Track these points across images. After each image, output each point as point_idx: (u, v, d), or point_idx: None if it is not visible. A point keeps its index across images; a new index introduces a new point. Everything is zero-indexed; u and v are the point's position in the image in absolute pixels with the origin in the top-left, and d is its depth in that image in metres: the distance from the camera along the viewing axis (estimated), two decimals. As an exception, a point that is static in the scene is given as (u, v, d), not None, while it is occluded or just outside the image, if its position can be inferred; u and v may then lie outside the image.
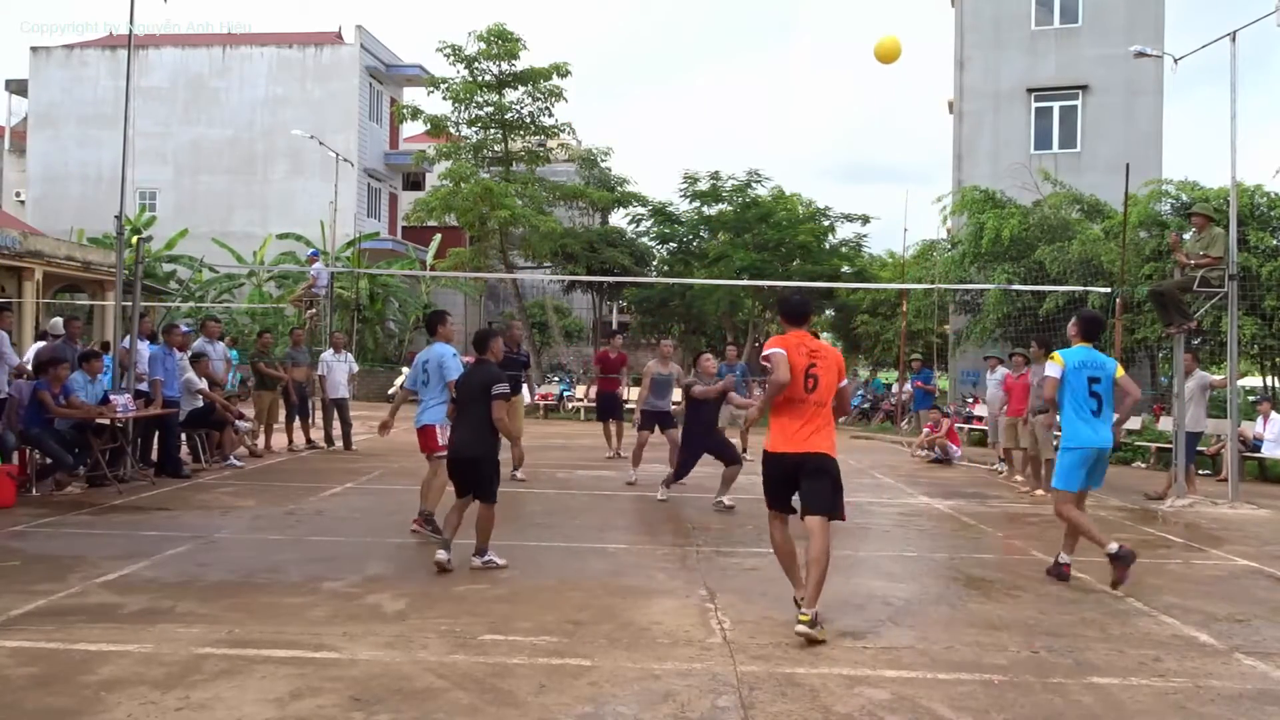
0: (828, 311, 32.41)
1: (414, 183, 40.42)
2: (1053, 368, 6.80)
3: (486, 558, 6.57)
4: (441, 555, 6.45)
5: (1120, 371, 6.82)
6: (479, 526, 6.59)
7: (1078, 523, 6.65)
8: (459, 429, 6.73)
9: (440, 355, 7.76)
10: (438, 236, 33.44)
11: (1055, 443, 11.47)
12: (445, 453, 7.06)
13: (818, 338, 5.91)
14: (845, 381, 5.59)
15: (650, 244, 29.68)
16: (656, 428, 11.00)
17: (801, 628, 5.02)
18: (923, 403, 16.39)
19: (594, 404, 16.36)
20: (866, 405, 24.69)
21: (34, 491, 9.24)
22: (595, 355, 15.30)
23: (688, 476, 10.00)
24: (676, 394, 11.10)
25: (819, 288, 26.18)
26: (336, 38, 35.92)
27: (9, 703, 4.02)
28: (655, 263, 29.83)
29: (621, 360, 14.61)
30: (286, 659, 4.60)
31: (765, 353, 5.52)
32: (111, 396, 10.07)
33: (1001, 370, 13.72)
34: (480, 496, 6.59)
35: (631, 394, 23.77)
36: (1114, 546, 6.35)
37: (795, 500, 5.45)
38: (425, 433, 7.82)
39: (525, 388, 12.32)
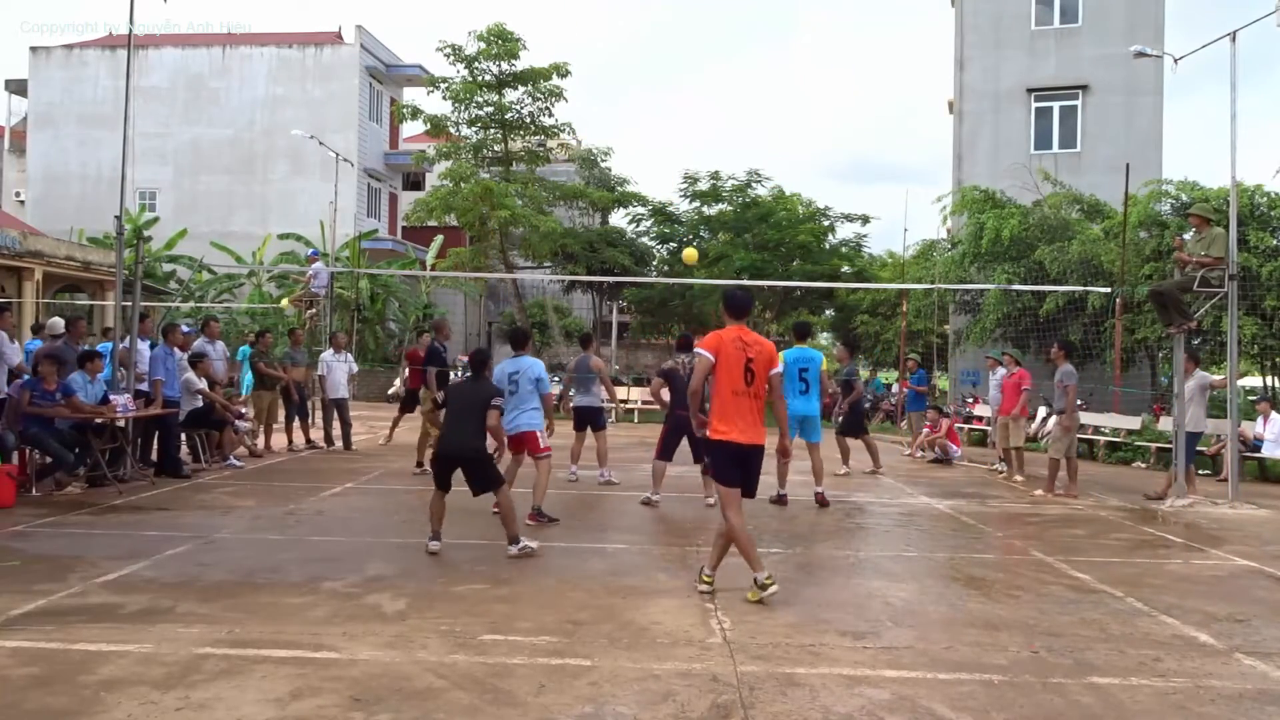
0: (828, 311, 32.44)
1: (414, 183, 40.42)
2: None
3: (521, 544, 6.90)
4: (434, 545, 7.00)
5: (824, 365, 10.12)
6: (505, 517, 7.02)
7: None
8: (454, 431, 7.11)
9: (532, 367, 8.47)
10: (439, 237, 33.45)
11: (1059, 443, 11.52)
12: (549, 453, 8.41)
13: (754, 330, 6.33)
14: (777, 369, 6.06)
15: (650, 244, 29.69)
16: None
17: (774, 589, 5.83)
18: (914, 405, 16.40)
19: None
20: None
21: (34, 491, 9.23)
22: (406, 353, 15.20)
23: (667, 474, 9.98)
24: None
25: (819, 288, 26.21)
26: (336, 38, 35.92)
27: (9, 703, 4.01)
28: (655, 263, 29.85)
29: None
30: (286, 659, 4.60)
31: (695, 350, 6.14)
32: (111, 396, 10.06)
33: (1002, 371, 13.73)
34: (489, 487, 7.08)
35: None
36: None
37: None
38: (527, 438, 8.40)
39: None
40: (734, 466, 5.86)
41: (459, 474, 7.12)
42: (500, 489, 7.13)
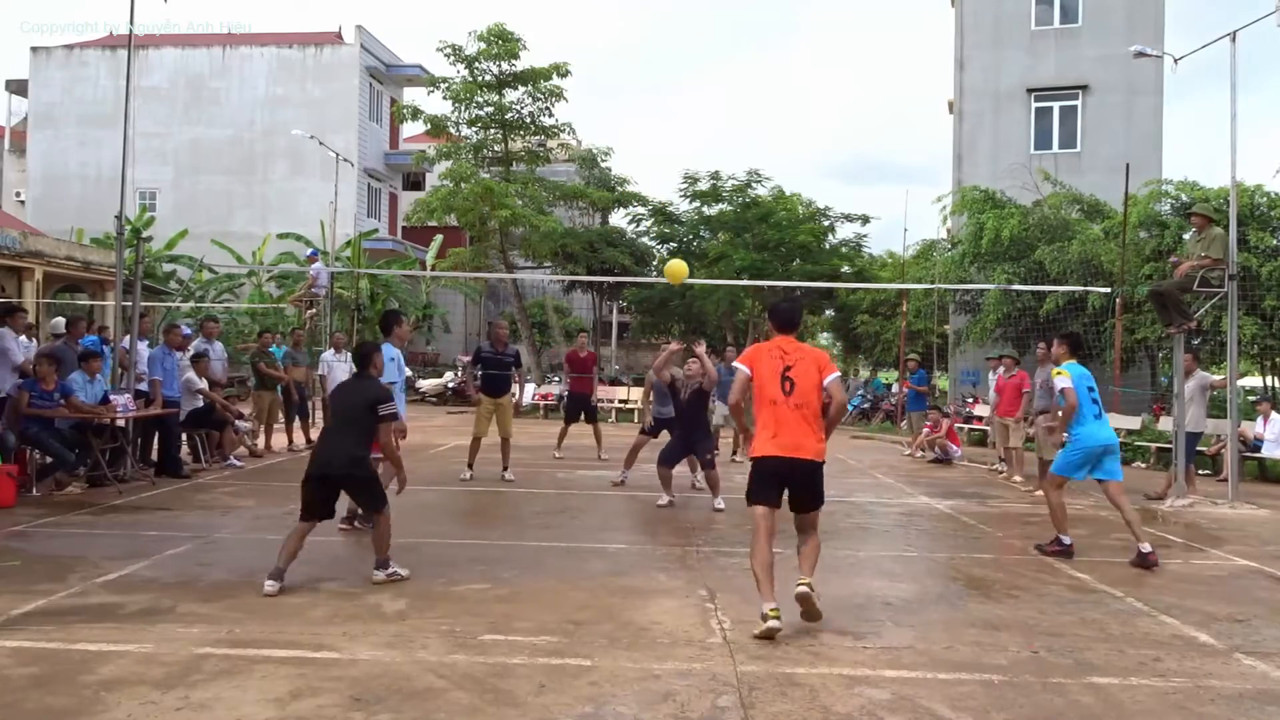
0: (828, 311, 32.46)
1: (414, 183, 40.41)
2: (1063, 380, 7.74)
3: (390, 570, 6.11)
4: (271, 586, 5.72)
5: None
6: (377, 537, 6.16)
7: (1056, 506, 7.81)
8: (330, 442, 6.20)
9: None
10: (438, 237, 33.42)
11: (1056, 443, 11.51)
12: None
13: (802, 340, 5.81)
14: (833, 375, 5.51)
15: (650, 244, 29.69)
16: (664, 433, 10.85)
17: (802, 588, 5.23)
18: (915, 405, 16.41)
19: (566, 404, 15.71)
20: (866, 405, 24.69)
21: (34, 491, 9.22)
22: (565, 356, 15.17)
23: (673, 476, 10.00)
24: None
25: (819, 288, 26.20)
26: (336, 38, 35.92)
27: (9, 703, 4.02)
28: (655, 263, 29.86)
29: (591, 359, 14.64)
30: (286, 659, 4.60)
31: (734, 365, 5.78)
32: (111, 396, 10.06)
33: (1001, 370, 13.73)
34: (369, 508, 6.35)
35: (613, 392, 23.65)
36: (1146, 547, 7.35)
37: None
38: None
39: (516, 387, 12.02)
40: (762, 484, 5.41)
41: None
42: (384, 510, 6.17)
